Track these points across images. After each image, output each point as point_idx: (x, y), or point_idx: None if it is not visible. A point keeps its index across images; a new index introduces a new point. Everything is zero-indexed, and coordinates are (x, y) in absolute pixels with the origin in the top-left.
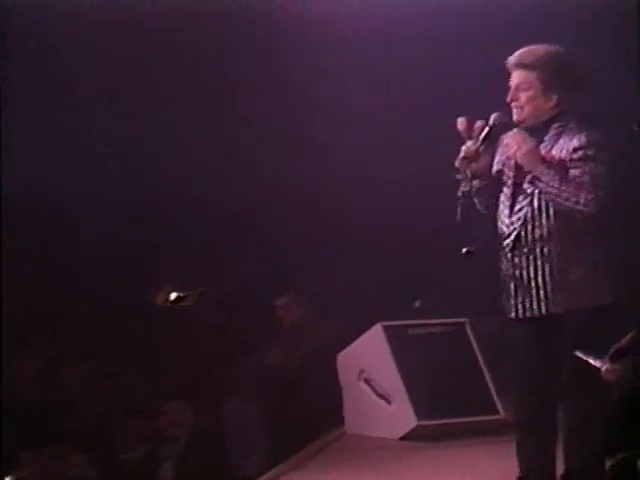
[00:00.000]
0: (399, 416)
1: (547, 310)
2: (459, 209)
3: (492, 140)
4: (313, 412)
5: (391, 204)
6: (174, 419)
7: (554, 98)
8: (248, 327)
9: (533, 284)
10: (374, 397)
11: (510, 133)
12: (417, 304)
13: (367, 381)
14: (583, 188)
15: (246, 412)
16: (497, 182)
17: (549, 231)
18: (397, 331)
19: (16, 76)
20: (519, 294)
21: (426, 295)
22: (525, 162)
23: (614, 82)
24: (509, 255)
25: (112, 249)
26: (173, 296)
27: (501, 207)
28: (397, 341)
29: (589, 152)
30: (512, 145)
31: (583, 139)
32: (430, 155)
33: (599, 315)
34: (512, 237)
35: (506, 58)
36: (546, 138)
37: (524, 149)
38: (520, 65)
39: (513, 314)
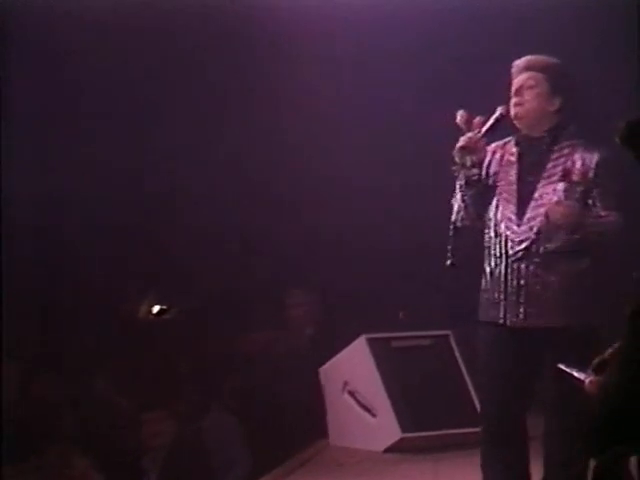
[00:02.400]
0: (383, 428)
1: (545, 323)
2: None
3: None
4: (296, 424)
5: (373, 215)
6: (155, 429)
7: (557, 102)
8: (228, 340)
9: (536, 295)
10: (358, 409)
11: (555, 207)
12: (401, 315)
13: (351, 393)
14: (611, 209)
15: (228, 424)
16: (488, 183)
17: (564, 245)
18: (381, 343)
19: (15, 79)
20: (516, 303)
21: (410, 307)
22: (569, 225)
23: (614, 83)
24: (514, 264)
25: (93, 261)
26: (156, 309)
27: (502, 213)
28: (381, 353)
29: (608, 171)
30: (558, 218)
31: (596, 157)
32: (421, 167)
33: (594, 334)
34: (523, 246)
35: (505, 57)
36: (555, 149)
37: (569, 218)
38: (529, 67)
39: (501, 321)
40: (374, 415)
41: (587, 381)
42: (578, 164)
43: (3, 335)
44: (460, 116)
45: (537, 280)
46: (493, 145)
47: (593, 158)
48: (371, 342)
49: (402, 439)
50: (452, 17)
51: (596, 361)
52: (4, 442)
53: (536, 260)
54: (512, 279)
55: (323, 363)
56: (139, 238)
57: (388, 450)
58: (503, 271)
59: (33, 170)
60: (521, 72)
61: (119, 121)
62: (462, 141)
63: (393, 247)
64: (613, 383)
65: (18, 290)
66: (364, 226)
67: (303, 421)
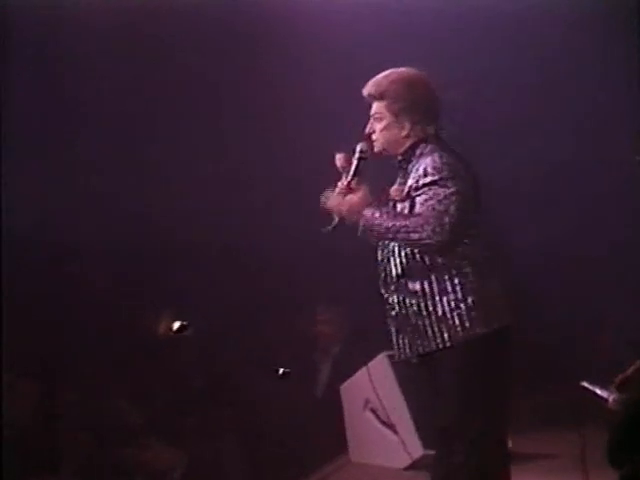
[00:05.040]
0: (405, 445)
1: (423, 349)
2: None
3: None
4: (316, 441)
5: None
6: (167, 452)
7: (407, 126)
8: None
9: (406, 323)
10: (380, 426)
11: (326, 202)
12: None
13: (373, 410)
14: (426, 217)
15: (247, 439)
16: None
17: (409, 267)
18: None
19: (16, 82)
20: (397, 334)
21: None
22: (352, 218)
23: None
24: (383, 294)
25: (105, 280)
26: (176, 325)
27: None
28: (402, 370)
29: (437, 176)
30: (335, 212)
31: (431, 162)
32: None
33: (472, 348)
34: (381, 275)
35: (509, 57)
36: (409, 167)
37: (345, 209)
38: (369, 96)
39: (396, 356)
40: (396, 432)
41: (610, 399)
42: (413, 173)
43: (16, 352)
44: (338, 160)
45: (398, 308)
46: None
47: (423, 164)
48: (393, 359)
49: (424, 456)
50: (454, 19)
51: (619, 379)
52: (10, 462)
53: (392, 287)
54: (386, 311)
55: (344, 380)
56: (159, 253)
57: (410, 467)
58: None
59: (43, 178)
60: (369, 100)
61: (124, 126)
62: (337, 190)
63: None
64: (635, 399)
65: (33, 306)
66: None
67: (324, 438)
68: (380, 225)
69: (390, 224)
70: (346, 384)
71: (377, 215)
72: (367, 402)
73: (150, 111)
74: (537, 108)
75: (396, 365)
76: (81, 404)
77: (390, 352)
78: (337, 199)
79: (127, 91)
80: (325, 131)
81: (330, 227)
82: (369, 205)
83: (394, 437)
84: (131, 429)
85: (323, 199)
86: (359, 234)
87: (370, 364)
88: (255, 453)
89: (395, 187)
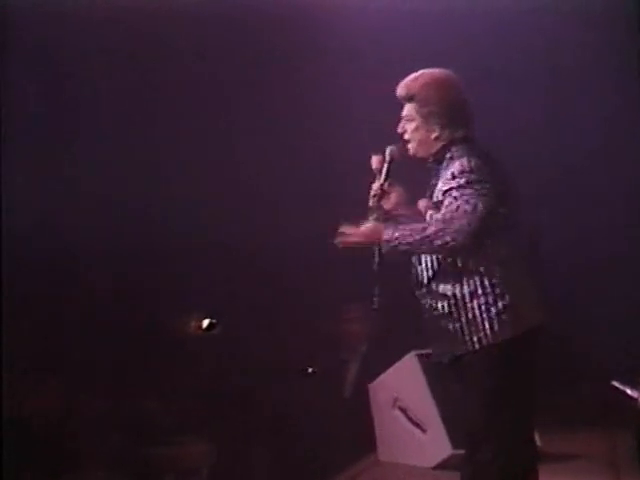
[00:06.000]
0: (434, 444)
1: (453, 353)
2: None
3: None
4: (345, 439)
5: None
6: (197, 448)
7: (436, 129)
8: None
9: (437, 326)
10: (408, 425)
11: (343, 239)
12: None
13: (401, 409)
14: (449, 220)
15: (276, 437)
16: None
17: (440, 270)
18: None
19: (15, 82)
20: (429, 336)
21: None
22: (374, 244)
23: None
24: (417, 295)
25: (131, 279)
26: (206, 323)
27: None
28: (432, 369)
29: (464, 179)
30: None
31: (459, 166)
32: None
33: (500, 350)
34: (413, 278)
35: (516, 58)
36: (440, 170)
37: (364, 240)
38: (401, 97)
39: (427, 357)
40: (424, 431)
41: None
42: (442, 178)
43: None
44: (374, 162)
45: (430, 312)
46: None
47: (452, 168)
48: (422, 358)
49: (453, 455)
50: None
51: None
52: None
53: (423, 290)
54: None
55: (372, 379)
56: (188, 252)
57: (438, 466)
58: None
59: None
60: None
61: (124, 126)
62: (373, 191)
63: None
64: None
65: (66, 307)
66: None
67: (352, 437)
68: (403, 244)
69: (412, 239)
70: (374, 383)
71: (397, 235)
72: (396, 401)
73: (151, 111)
74: (550, 109)
75: (425, 364)
76: (112, 403)
77: (419, 351)
78: (353, 234)
79: (127, 91)
80: (352, 130)
81: (376, 264)
82: (386, 227)
83: (423, 436)
84: (161, 428)
85: (338, 239)
86: (385, 256)
87: (399, 363)
88: (283, 452)
89: (422, 200)
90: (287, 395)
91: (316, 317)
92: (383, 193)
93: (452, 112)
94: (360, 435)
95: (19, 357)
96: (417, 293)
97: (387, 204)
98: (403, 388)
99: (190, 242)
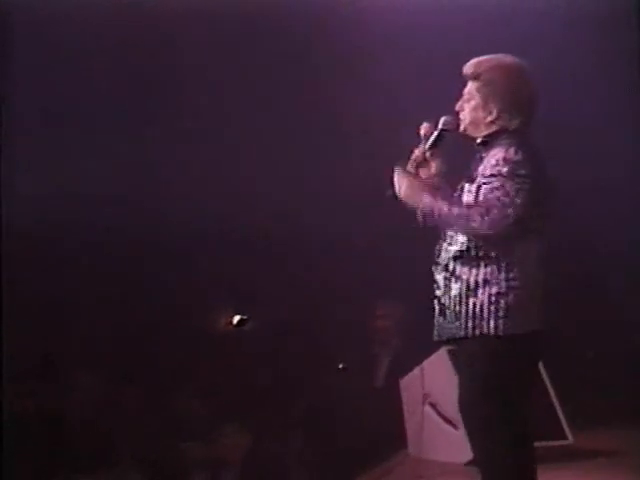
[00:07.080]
0: (466, 441)
1: (451, 334)
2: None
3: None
4: (376, 436)
5: None
6: (232, 442)
7: (494, 112)
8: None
9: (445, 305)
10: (440, 421)
11: (396, 174)
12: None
13: (432, 405)
14: (489, 207)
15: (310, 433)
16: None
17: (462, 252)
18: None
19: (17, 80)
20: (436, 313)
21: None
22: (410, 200)
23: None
24: (433, 272)
25: (168, 275)
26: (236, 319)
27: None
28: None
29: (507, 168)
30: (398, 188)
31: (505, 154)
32: None
33: (493, 345)
34: (436, 254)
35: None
36: (485, 153)
37: (403, 189)
38: (467, 75)
39: (434, 337)
40: (456, 427)
41: None
42: (484, 163)
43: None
44: (424, 129)
45: (441, 289)
46: None
47: (497, 155)
48: (452, 353)
49: None
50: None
51: None
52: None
53: (439, 268)
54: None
55: (404, 374)
56: (221, 249)
57: (470, 463)
58: None
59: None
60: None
61: (124, 125)
62: (414, 155)
63: None
64: None
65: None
66: None
67: (383, 432)
68: (440, 210)
69: (450, 210)
70: (406, 378)
71: (438, 200)
72: (426, 396)
73: (151, 110)
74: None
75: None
76: (146, 399)
77: (451, 347)
78: (405, 177)
79: (127, 90)
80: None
81: (389, 193)
82: (431, 190)
83: (454, 432)
84: (196, 423)
85: (396, 168)
86: (418, 218)
87: (430, 358)
88: (317, 447)
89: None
90: (320, 391)
91: (350, 312)
92: (424, 160)
93: (513, 99)
94: (392, 430)
95: (20, 356)
96: (433, 268)
97: (424, 173)
98: (434, 384)
99: (223, 237)
